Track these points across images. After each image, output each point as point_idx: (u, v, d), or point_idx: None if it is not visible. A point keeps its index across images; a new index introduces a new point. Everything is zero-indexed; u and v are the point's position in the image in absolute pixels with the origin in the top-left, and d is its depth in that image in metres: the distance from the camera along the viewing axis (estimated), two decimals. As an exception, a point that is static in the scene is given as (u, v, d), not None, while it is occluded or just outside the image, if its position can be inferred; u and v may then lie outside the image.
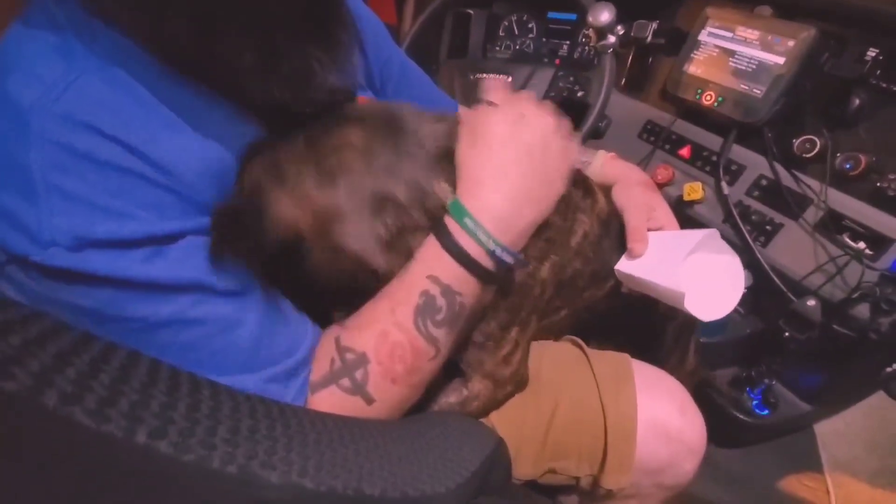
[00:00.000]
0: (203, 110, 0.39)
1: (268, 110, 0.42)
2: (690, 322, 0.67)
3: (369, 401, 0.41)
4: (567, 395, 0.52)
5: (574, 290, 0.55)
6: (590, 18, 0.86)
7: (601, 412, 0.50)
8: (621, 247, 0.56)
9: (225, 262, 0.38)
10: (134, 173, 0.35)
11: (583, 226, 0.53)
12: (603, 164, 0.64)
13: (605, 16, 0.84)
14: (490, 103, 0.44)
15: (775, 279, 0.85)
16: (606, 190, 0.60)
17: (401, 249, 0.42)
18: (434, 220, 0.42)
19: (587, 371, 0.53)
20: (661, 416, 0.50)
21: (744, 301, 0.93)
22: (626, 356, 0.55)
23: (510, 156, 0.42)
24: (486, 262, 0.41)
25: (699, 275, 0.48)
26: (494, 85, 0.47)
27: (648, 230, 0.54)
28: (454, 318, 0.42)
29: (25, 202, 0.32)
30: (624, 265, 0.54)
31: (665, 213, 0.57)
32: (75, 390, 0.18)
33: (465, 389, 0.50)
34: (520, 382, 0.53)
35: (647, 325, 0.62)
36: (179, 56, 0.36)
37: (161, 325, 0.36)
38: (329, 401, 0.41)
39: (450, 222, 0.41)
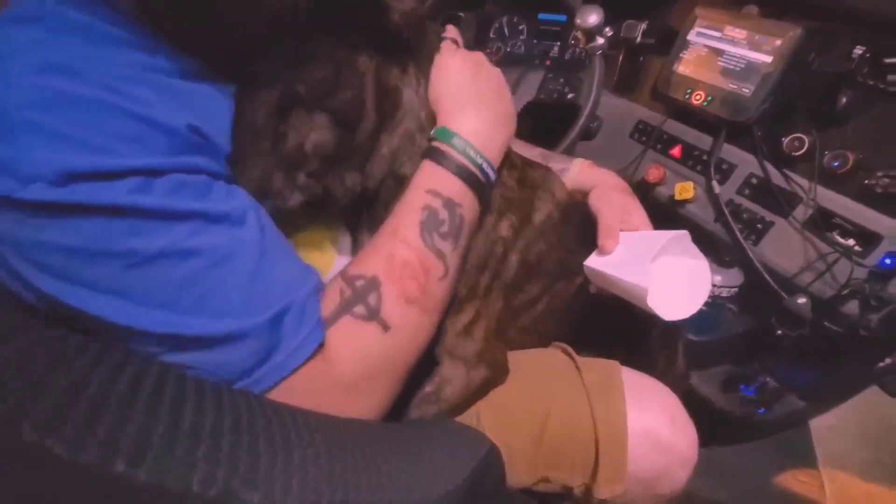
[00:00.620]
0: (175, 65, 0.40)
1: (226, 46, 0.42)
2: (675, 327, 0.68)
3: (386, 327, 0.41)
4: (558, 404, 0.52)
5: (543, 275, 0.56)
6: (577, 21, 0.86)
7: (592, 423, 0.50)
8: (591, 244, 0.56)
9: (220, 190, 0.38)
10: (114, 107, 0.34)
11: (546, 205, 0.56)
12: (580, 171, 0.64)
13: (592, 18, 0.84)
14: (453, 41, 0.51)
15: (766, 277, 0.86)
16: (578, 192, 0.62)
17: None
18: (426, 147, 0.46)
19: (577, 380, 0.53)
20: (653, 426, 0.50)
21: (736, 299, 0.93)
22: (615, 364, 0.55)
23: (478, 90, 0.48)
24: (478, 174, 0.46)
25: (665, 275, 0.49)
26: (453, 30, 0.54)
27: (622, 231, 0.55)
28: (457, 231, 0.44)
29: (3, 143, 0.32)
30: (592, 261, 0.55)
31: (639, 216, 0.57)
32: (52, 420, 0.18)
33: (438, 376, 0.51)
34: (494, 367, 0.53)
35: (634, 330, 0.62)
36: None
37: (153, 258, 0.34)
38: (344, 334, 0.40)
39: (440, 145, 0.45)
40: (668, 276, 0.49)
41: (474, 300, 0.51)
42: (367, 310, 0.41)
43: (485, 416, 0.53)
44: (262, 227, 0.40)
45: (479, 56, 0.52)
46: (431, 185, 0.44)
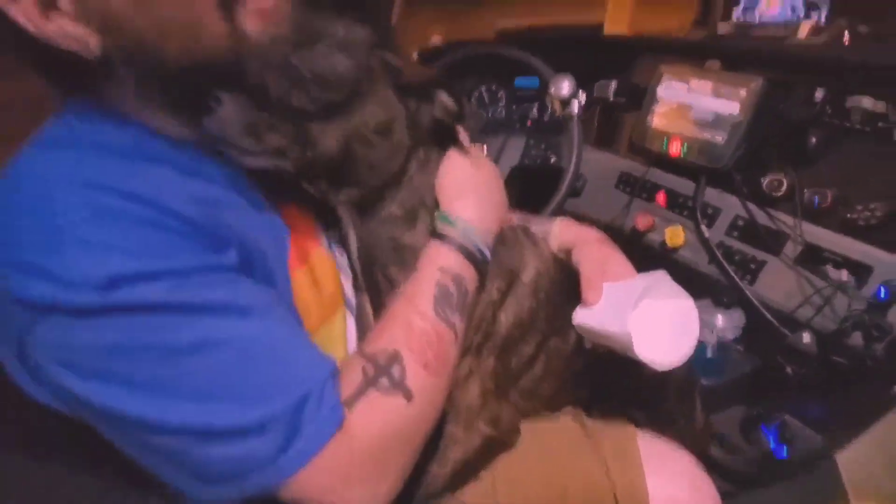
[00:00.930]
0: (199, 167, 0.45)
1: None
2: (691, 378, 0.68)
3: (409, 396, 0.43)
4: (575, 479, 0.51)
5: (536, 333, 0.57)
6: (551, 91, 0.92)
7: (613, 496, 0.49)
8: (578, 300, 0.56)
9: (247, 284, 0.42)
10: (151, 222, 0.38)
11: (532, 262, 0.58)
12: (561, 231, 0.65)
13: (565, 88, 0.90)
14: (458, 149, 0.57)
15: (767, 315, 0.87)
16: (563, 251, 0.64)
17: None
18: (432, 230, 0.52)
19: (592, 450, 0.53)
20: (674, 493, 0.50)
21: (741, 339, 0.94)
22: (631, 430, 0.55)
23: (478, 183, 0.55)
24: (478, 254, 0.51)
25: (651, 320, 0.48)
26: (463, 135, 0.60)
27: (604, 283, 0.55)
28: (463, 303, 0.49)
29: (53, 254, 0.35)
30: (579, 315, 0.54)
31: (620, 266, 0.57)
32: None
33: (442, 437, 0.51)
34: (496, 426, 0.53)
35: (647, 386, 0.62)
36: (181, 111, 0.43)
37: (186, 350, 0.37)
38: (369, 408, 0.42)
39: (448, 229, 0.51)
40: (654, 321, 0.48)
41: (466, 356, 0.53)
42: (391, 382, 0.43)
43: (502, 494, 0.52)
44: (284, 317, 0.43)
45: (479, 152, 0.59)
46: (441, 263, 0.49)
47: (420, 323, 0.46)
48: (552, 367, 0.59)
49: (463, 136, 0.58)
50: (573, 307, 0.56)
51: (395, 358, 0.43)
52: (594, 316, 0.53)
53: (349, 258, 0.58)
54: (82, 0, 0.37)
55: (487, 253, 0.52)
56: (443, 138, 0.56)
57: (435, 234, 0.51)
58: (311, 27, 0.45)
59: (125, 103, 0.44)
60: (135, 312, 0.36)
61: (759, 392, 0.97)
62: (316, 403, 0.40)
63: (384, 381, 0.43)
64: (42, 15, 0.37)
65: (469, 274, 0.50)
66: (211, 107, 0.43)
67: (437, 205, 0.53)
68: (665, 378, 0.62)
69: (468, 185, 0.53)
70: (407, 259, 0.52)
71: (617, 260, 0.58)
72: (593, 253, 0.59)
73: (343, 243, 0.59)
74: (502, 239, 0.57)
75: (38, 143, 0.42)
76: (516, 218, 0.71)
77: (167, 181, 0.42)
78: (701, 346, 0.94)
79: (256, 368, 0.39)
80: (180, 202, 0.41)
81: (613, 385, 0.62)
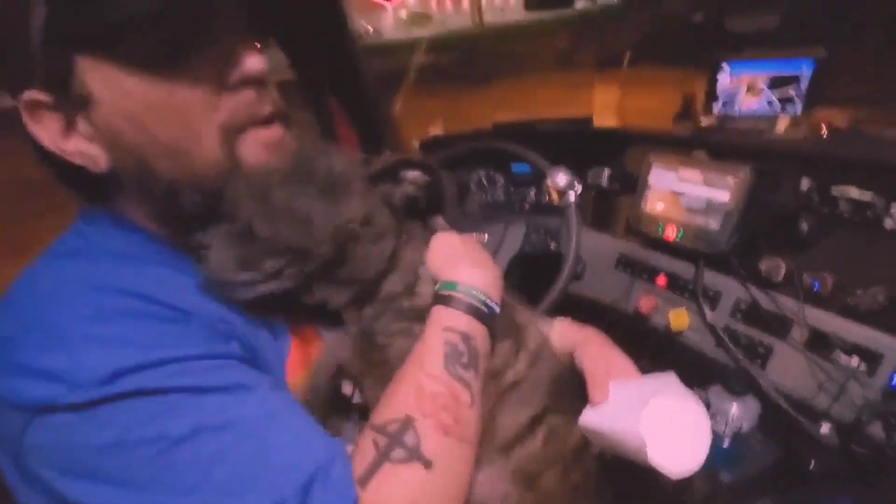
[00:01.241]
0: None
1: None
2: (712, 483, 0.64)
3: (427, 464, 0.40)
4: None
5: (535, 399, 0.55)
6: (548, 182, 0.96)
7: None
8: (581, 391, 0.54)
9: (248, 369, 0.42)
10: (153, 316, 0.40)
11: (535, 334, 0.59)
12: (560, 333, 0.65)
13: (562, 179, 0.94)
14: (444, 229, 0.60)
15: (784, 405, 0.84)
16: (563, 354, 0.63)
17: None
18: (434, 298, 0.51)
19: None
20: None
21: (758, 429, 0.90)
22: None
23: (469, 253, 0.55)
24: (483, 308, 0.50)
25: (662, 422, 0.46)
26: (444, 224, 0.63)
27: (609, 382, 0.53)
28: (476, 360, 0.47)
29: (56, 353, 0.36)
30: (585, 417, 0.52)
31: (623, 366, 0.56)
32: None
33: None
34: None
35: (666, 497, 0.59)
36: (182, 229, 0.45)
37: (185, 437, 0.36)
38: (385, 483, 0.39)
39: (447, 292, 0.50)
40: (666, 424, 0.47)
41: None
42: (406, 451, 0.40)
43: None
44: (284, 401, 0.43)
45: (466, 236, 0.60)
46: (446, 323, 0.48)
47: (431, 385, 0.43)
48: (553, 451, 0.55)
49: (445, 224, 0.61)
50: (577, 394, 0.55)
51: (407, 425, 0.41)
52: (602, 416, 0.51)
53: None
54: (95, 122, 0.41)
55: (495, 307, 0.52)
56: (421, 211, 0.57)
57: (436, 300, 0.51)
58: (307, 165, 0.48)
59: (131, 213, 0.47)
60: (135, 399, 0.36)
61: (784, 484, 0.92)
62: (322, 485, 0.38)
63: (398, 451, 0.40)
64: (63, 136, 0.41)
65: (478, 332, 0.49)
66: (202, 254, 0.46)
67: (433, 278, 0.53)
68: (684, 486, 0.59)
69: (461, 254, 0.54)
70: (410, 319, 0.53)
71: (620, 360, 0.57)
72: (596, 351, 0.58)
73: None
74: (504, 304, 0.56)
75: (52, 254, 0.45)
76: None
77: (169, 280, 0.44)
78: (716, 438, 0.90)
79: (258, 453, 0.38)
80: (182, 298, 0.42)
81: (629, 497, 0.59)
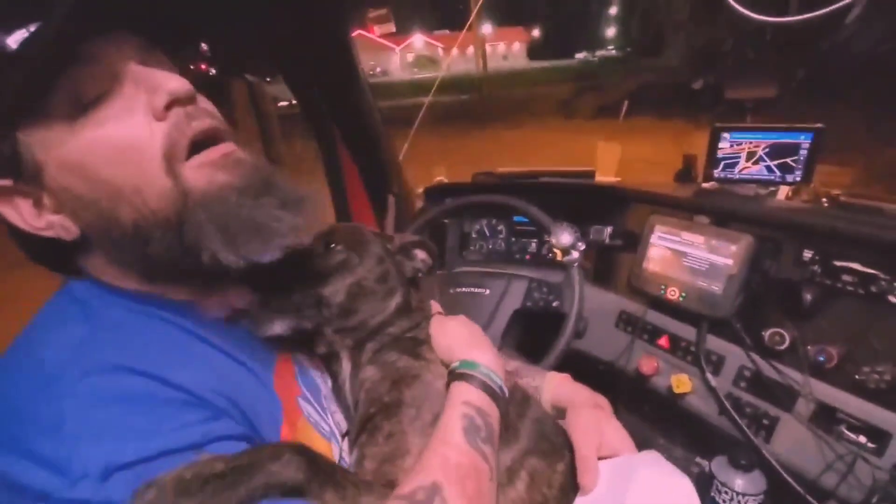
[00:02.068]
0: (195, 343, 0.47)
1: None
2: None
3: None
4: None
5: (516, 442, 0.57)
6: (552, 240, 0.96)
7: None
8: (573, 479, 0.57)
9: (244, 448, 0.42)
10: (156, 399, 0.39)
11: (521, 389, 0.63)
12: (554, 389, 0.67)
13: (565, 237, 0.94)
14: (439, 314, 0.67)
15: (791, 482, 0.82)
16: (554, 409, 0.66)
17: None
18: (451, 375, 0.56)
19: None
20: None
21: (764, 504, 0.87)
22: None
23: (475, 338, 0.60)
24: (497, 390, 0.54)
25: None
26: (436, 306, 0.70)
27: (600, 458, 0.56)
28: (491, 436, 0.50)
29: (55, 441, 0.35)
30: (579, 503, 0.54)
31: (616, 435, 0.58)
32: None
33: None
34: None
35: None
36: (178, 277, 0.46)
37: None
38: None
39: (467, 371, 0.54)
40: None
41: None
42: None
43: None
44: None
45: (463, 318, 0.66)
46: (464, 398, 0.51)
47: (456, 456, 0.46)
48: (538, 495, 0.56)
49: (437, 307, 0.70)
50: (560, 442, 0.60)
51: (435, 491, 0.42)
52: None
53: (347, 403, 0.62)
54: (50, 189, 0.42)
55: (505, 390, 0.55)
56: (419, 283, 0.69)
57: (456, 377, 0.54)
58: (263, 178, 0.48)
59: (110, 275, 0.46)
60: None
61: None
62: None
63: None
64: (35, 215, 0.42)
65: (492, 410, 0.52)
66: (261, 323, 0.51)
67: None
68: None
69: (469, 340, 0.59)
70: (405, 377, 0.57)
71: (612, 429, 0.59)
72: (587, 422, 0.59)
73: (337, 394, 0.64)
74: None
75: (41, 326, 0.44)
76: (510, 366, 0.71)
77: (164, 348, 0.44)
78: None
79: None
80: (178, 370, 0.42)
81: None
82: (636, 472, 0.50)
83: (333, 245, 0.61)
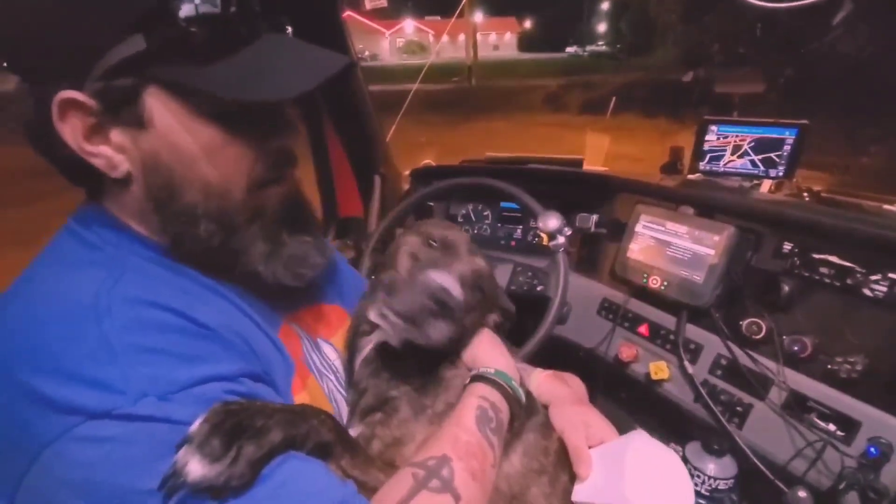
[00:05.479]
0: (209, 293, 0.49)
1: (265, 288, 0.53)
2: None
3: (457, 498, 0.44)
4: None
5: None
6: (539, 225, 0.95)
7: None
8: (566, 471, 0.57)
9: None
10: (189, 332, 0.42)
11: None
12: (538, 385, 0.68)
13: (552, 223, 0.94)
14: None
15: (761, 467, 0.84)
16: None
17: None
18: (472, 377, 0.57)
19: None
20: None
21: (734, 489, 0.89)
22: None
23: (493, 347, 0.63)
24: (511, 392, 0.56)
25: (645, 480, 0.51)
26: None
27: (590, 447, 0.57)
28: (500, 429, 0.53)
29: (105, 364, 0.36)
30: (577, 496, 0.55)
31: (601, 426, 0.60)
32: None
33: None
34: None
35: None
36: (202, 254, 0.48)
37: None
38: None
39: (485, 375, 0.57)
40: (647, 480, 0.51)
41: None
42: (441, 482, 0.44)
43: None
44: None
45: (485, 330, 0.68)
46: (481, 393, 0.54)
47: (465, 436, 0.49)
48: (536, 465, 0.57)
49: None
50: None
51: (444, 462, 0.46)
52: (590, 491, 0.55)
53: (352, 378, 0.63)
54: (139, 143, 0.43)
55: (522, 397, 0.58)
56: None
57: (475, 378, 0.57)
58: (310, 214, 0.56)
59: (128, 216, 0.48)
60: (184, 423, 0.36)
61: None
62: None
63: (434, 482, 0.44)
64: (87, 138, 0.42)
65: (504, 408, 0.54)
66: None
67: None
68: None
69: (494, 352, 0.62)
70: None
71: (596, 421, 0.61)
72: (573, 417, 0.62)
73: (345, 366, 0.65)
74: None
75: (57, 261, 0.45)
76: None
77: (186, 291, 0.46)
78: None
79: (295, 480, 0.40)
80: (202, 312, 0.44)
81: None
82: (628, 451, 0.52)
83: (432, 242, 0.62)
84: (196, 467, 0.34)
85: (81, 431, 0.35)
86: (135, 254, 0.46)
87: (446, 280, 0.52)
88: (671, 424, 1.08)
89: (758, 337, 0.90)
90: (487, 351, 0.61)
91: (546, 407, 0.65)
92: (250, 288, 0.53)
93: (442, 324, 0.52)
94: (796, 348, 0.85)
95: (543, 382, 0.69)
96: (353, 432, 0.55)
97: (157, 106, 0.42)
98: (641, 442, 0.54)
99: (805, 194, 1.04)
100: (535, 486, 0.56)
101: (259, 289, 0.53)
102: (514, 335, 0.99)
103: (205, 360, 0.41)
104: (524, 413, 0.59)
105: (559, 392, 0.67)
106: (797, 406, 0.84)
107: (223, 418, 0.37)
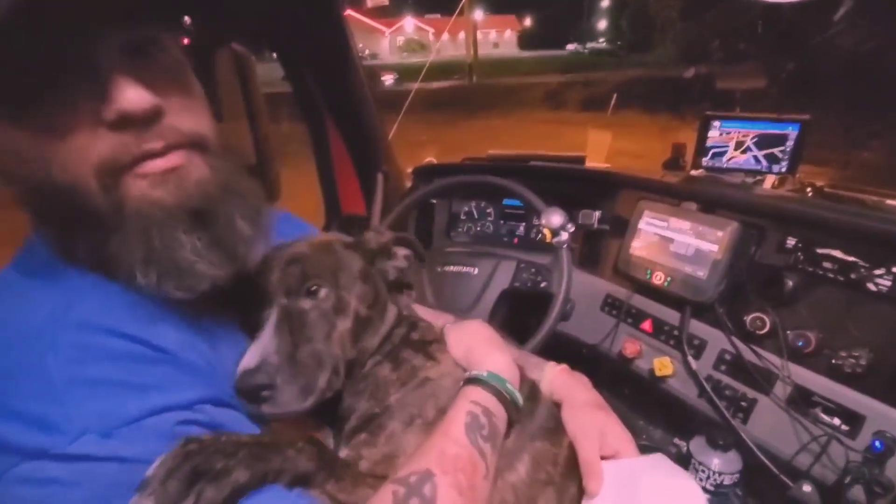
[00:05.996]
0: (163, 310, 0.44)
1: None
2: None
3: None
4: None
5: (521, 425, 0.57)
6: (542, 222, 0.96)
7: None
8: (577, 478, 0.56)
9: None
10: (142, 358, 0.39)
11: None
12: (552, 382, 0.66)
13: (556, 219, 0.94)
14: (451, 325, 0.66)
15: (766, 462, 0.84)
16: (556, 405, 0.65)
17: None
18: (465, 381, 0.56)
19: None
20: None
21: (739, 484, 0.89)
22: None
23: (493, 341, 0.61)
24: (506, 395, 0.54)
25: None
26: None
27: (602, 457, 0.55)
28: (494, 436, 0.50)
29: (47, 401, 0.34)
30: None
31: (617, 436, 0.57)
32: None
33: None
34: None
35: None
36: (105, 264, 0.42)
37: None
38: None
39: (478, 377, 0.54)
40: None
41: None
42: (421, 501, 0.42)
43: None
44: None
45: (479, 322, 0.66)
46: (473, 398, 0.52)
47: (453, 448, 0.46)
48: (543, 474, 0.56)
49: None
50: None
51: (426, 477, 0.43)
52: None
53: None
54: None
55: (520, 400, 0.55)
56: (406, 284, 0.67)
57: (468, 381, 0.55)
58: (206, 206, 0.43)
59: (55, 244, 0.43)
60: (130, 463, 0.34)
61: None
62: None
63: (415, 501, 0.42)
64: None
65: (499, 412, 0.52)
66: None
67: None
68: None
69: (493, 342, 0.60)
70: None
71: (613, 429, 0.58)
72: (587, 424, 0.59)
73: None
74: None
75: (8, 285, 0.42)
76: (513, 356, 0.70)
77: (152, 313, 0.43)
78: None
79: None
80: (169, 337, 0.42)
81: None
82: (644, 477, 0.50)
83: (314, 287, 0.54)
84: None
85: (20, 472, 0.33)
86: (77, 276, 0.42)
87: (242, 363, 0.47)
88: (675, 420, 1.08)
89: (762, 332, 0.90)
90: (482, 347, 0.59)
91: (558, 406, 0.63)
92: (214, 297, 0.46)
93: (280, 396, 0.46)
94: (800, 343, 0.85)
95: (557, 377, 0.66)
96: (342, 455, 0.53)
97: None
98: (663, 469, 0.52)
99: (808, 189, 1.04)
100: (541, 497, 0.54)
101: (224, 298, 0.47)
102: (517, 332, 0.99)
103: (159, 389, 0.38)
104: (527, 405, 0.58)
105: (575, 392, 0.64)
106: (801, 401, 0.84)
107: (181, 461, 0.34)
